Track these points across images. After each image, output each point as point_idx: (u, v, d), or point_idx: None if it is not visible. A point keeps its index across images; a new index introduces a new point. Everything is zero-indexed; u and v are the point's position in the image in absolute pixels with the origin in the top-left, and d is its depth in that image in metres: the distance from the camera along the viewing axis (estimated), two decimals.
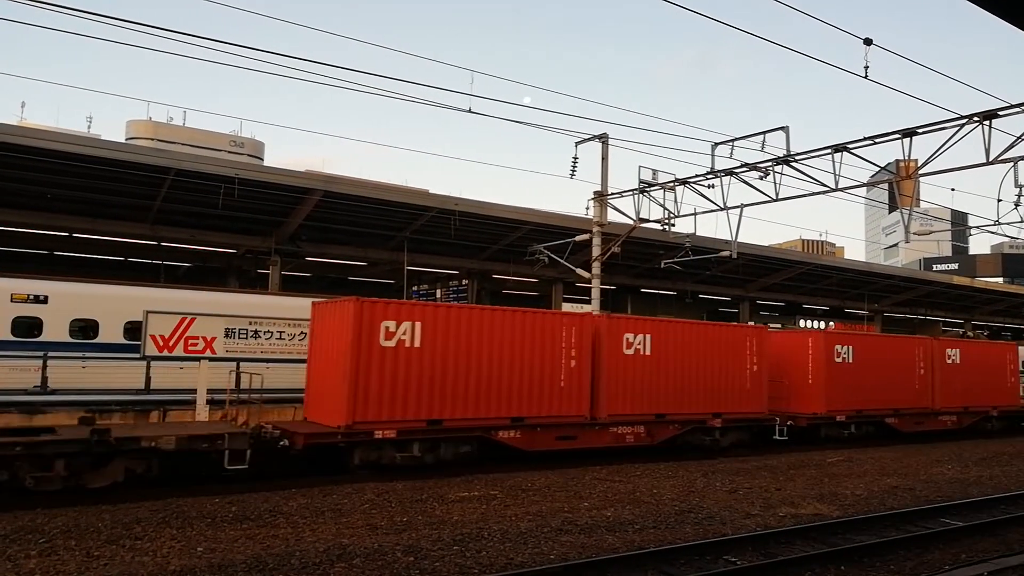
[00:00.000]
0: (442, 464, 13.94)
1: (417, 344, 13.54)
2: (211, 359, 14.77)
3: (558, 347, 15.35)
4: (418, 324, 13.58)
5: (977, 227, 26.09)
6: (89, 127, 79.33)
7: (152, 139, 68.85)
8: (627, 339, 16.47)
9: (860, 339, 21.26)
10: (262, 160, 76.17)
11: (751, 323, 38.78)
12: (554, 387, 15.23)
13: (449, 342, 13.94)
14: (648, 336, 16.80)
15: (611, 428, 16.10)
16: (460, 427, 14.06)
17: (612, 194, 22.10)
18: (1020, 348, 27.63)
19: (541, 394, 15.07)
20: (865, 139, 17.23)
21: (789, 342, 20.76)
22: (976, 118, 15.58)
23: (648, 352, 16.72)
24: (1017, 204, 17.61)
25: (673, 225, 21.65)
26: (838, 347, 20.18)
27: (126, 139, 68.03)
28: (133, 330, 18.05)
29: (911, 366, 21.85)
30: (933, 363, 22.38)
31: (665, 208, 21.19)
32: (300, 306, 16.79)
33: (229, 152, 71.36)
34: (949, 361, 22.78)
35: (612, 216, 22.21)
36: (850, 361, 20.22)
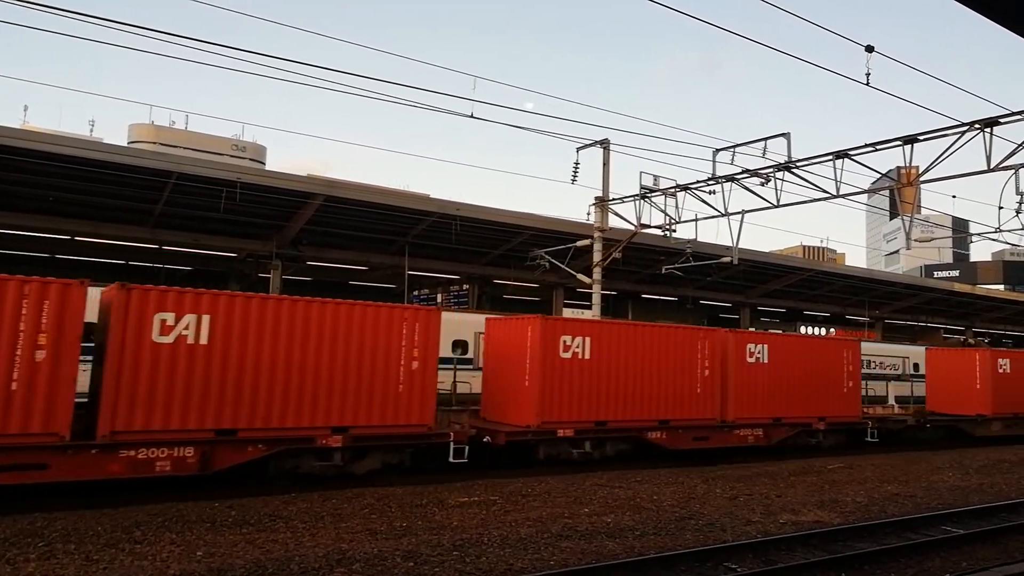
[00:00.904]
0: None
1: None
2: None
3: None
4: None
5: (978, 234, 26.05)
6: (91, 131, 79.61)
7: (154, 143, 69.03)
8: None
9: (606, 328, 16.66)
10: (264, 164, 76.31)
11: (751, 329, 38.80)
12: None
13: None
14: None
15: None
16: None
17: (613, 200, 22.13)
18: (866, 344, 25.32)
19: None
20: (866, 146, 17.26)
21: (509, 332, 16.41)
22: (977, 125, 15.62)
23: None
24: (1018, 211, 17.65)
25: (674, 231, 21.70)
26: (566, 338, 15.66)
27: (128, 143, 68.21)
28: None
29: (689, 365, 17.50)
30: (726, 362, 18.18)
31: (666, 214, 21.23)
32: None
33: (231, 156, 71.53)
34: (751, 360, 18.58)
35: (613, 222, 22.24)
36: (586, 357, 15.86)
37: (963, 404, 24.30)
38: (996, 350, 26.12)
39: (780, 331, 21.59)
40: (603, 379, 16.01)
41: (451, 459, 13.84)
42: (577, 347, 15.71)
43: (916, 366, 33.70)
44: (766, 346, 18.91)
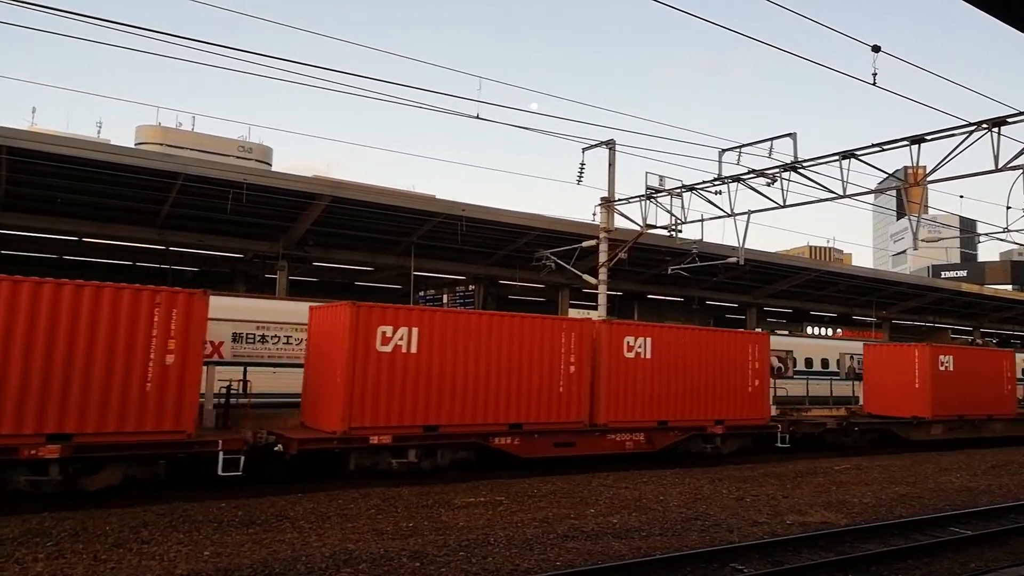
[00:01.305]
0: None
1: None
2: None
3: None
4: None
5: (986, 234, 25.93)
6: (99, 132, 79.81)
7: (161, 144, 69.21)
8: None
9: (440, 318, 14.21)
10: (270, 165, 76.47)
11: (759, 329, 38.71)
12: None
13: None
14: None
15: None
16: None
17: (619, 200, 22.10)
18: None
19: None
20: (873, 146, 17.20)
21: (330, 322, 14.06)
22: (985, 125, 15.55)
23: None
24: None
25: (680, 231, 21.64)
26: (385, 329, 13.37)
27: (135, 144, 68.48)
28: None
29: (550, 360, 15.18)
30: (599, 357, 15.96)
31: (672, 214, 21.18)
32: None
33: (237, 157, 71.64)
34: (630, 355, 16.33)
35: (619, 222, 22.22)
36: (412, 351, 13.60)
37: (901, 405, 22.35)
38: (938, 346, 24.06)
39: (672, 325, 19.81)
40: (435, 377, 13.67)
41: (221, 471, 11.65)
42: (401, 339, 13.39)
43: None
44: (649, 339, 16.62)
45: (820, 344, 35.43)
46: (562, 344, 15.36)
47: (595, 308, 22.82)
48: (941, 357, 22.65)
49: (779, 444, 18.49)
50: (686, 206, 21.00)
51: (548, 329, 15.35)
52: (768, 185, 19.04)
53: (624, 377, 16.21)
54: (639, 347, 16.48)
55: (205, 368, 14.07)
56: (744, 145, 19.43)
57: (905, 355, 22.97)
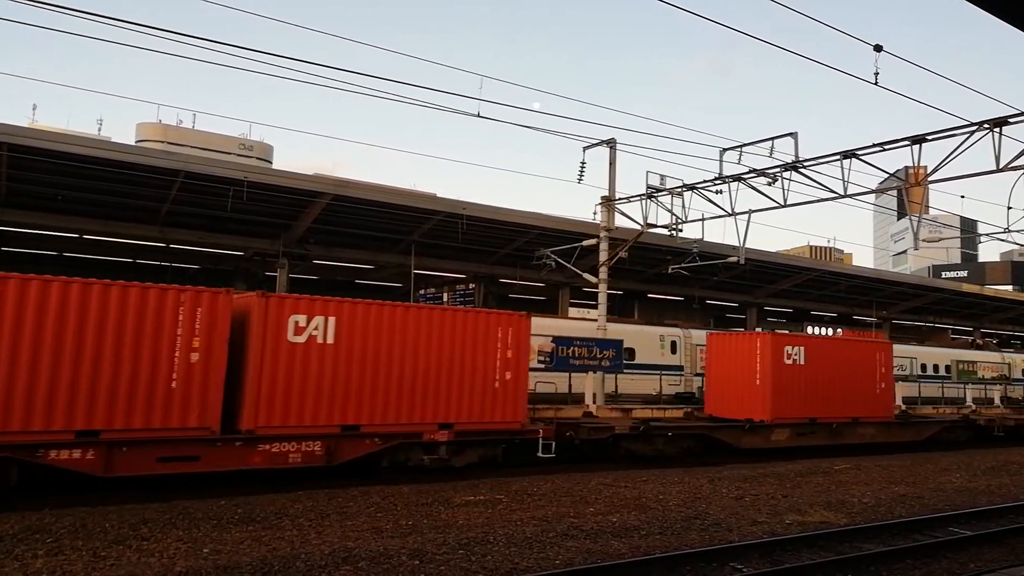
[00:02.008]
0: None
1: None
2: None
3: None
4: None
5: (987, 234, 25.96)
6: (99, 130, 79.99)
7: (162, 142, 69.24)
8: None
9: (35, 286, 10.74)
10: (271, 163, 76.45)
11: (758, 329, 38.74)
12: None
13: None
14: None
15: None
16: None
17: (620, 199, 22.11)
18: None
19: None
20: (874, 146, 17.20)
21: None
22: (986, 125, 15.55)
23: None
24: None
25: (681, 230, 21.65)
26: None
27: (136, 142, 68.44)
28: None
29: (153, 344, 11.46)
30: (249, 340, 12.32)
31: (673, 213, 21.18)
32: None
33: (238, 155, 71.70)
34: (299, 338, 12.62)
35: (620, 221, 22.23)
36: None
37: (739, 405, 19.06)
38: (784, 335, 20.76)
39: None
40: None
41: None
42: None
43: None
44: (333, 319, 12.92)
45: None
46: (178, 322, 11.60)
47: (596, 307, 22.82)
48: (788, 348, 18.91)
49: (541, 454, 15.19)
50: (687, 205, 21.02)
51: (153, 301, 11.47)
52: (769, 185, 19.04)
53: (284, 367, 12.50)
54: (316, 328, 12.84)
55: None
56: (745, 144, 19.44)
57: (746, 345, 19.32)
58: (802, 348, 19.31)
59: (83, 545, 8.47)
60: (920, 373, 34.69)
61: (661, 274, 31.10)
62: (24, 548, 8.27)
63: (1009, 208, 20.30)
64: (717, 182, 19.93)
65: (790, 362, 18.90)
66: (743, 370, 19.10)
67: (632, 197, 21.96)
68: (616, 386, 23.81)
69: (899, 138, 16.74)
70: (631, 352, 25.66)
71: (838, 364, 20.06)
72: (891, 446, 21.25)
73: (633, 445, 17.19)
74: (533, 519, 10.62)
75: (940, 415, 25.79)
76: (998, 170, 15.50)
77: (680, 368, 28.37)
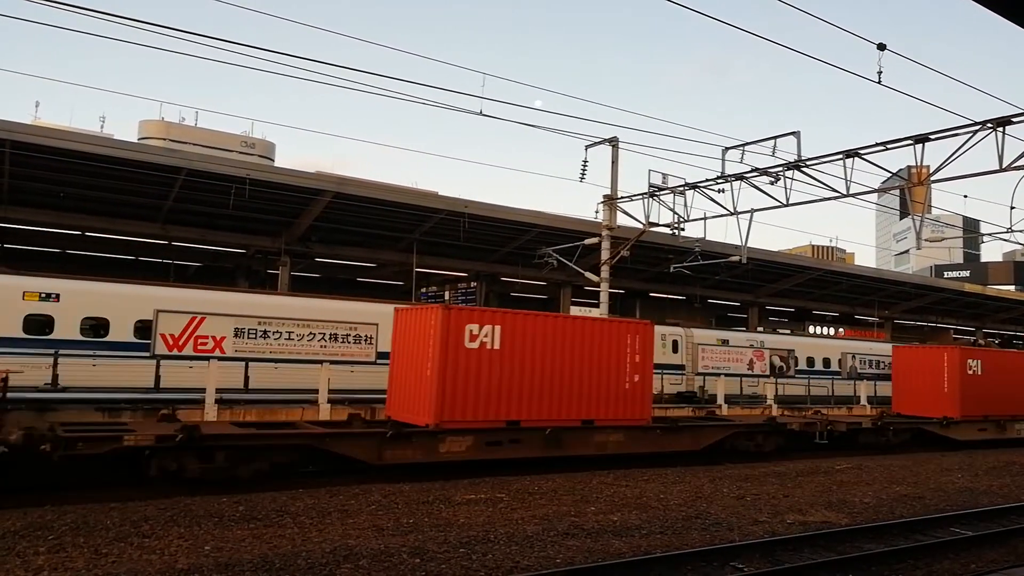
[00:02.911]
0: None
1: None
2: (220, 359, 14.80)
3: None
4: None
5: (989, 234, 25.87)
6: (102, 127, 79.86)
7: (164, 139, 69.25)
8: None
9: None
10: (273, 161, 76.44)
11: (760, 329, 38.69)
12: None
13: None
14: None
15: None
16: None
17: (622, 198, 22.08)
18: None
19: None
20: (877, 145, 17.15)
21: None
22: (989, 125, 15.50)
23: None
24: None
25: (683, 229, 21.61)
26: None
27: (138, 139, 68.47)
28: (143, 329, 18.18)
29: None
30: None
31: (675, 212, 21.15)
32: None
33: (240, 153, 71.64)
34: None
35: (621, 220, 22.21)
36: None
37: (412, 407, 14.59)
38: (472, 309, 16.79)
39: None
40: None
41: None
42: None
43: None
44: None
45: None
46: None
47: (597, 306, 22.80)
48: (472, 327, 14.16)
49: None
50: (689, 204, 20.98)
51: None
52: (771, 184, 19.00)
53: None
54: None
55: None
56: (747, 143, 19.38)
57: (424, 324, 14.57)
58: (497, 327, 14.50)
59: (85, 542, 8.47)
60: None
61: (663, 273, 31.10)
62: (26, 545, 8.27)
63: (1012, 208, 20.27)
64: (719, 181, 19.89)
65: (479, 346, 14.25)
66: (418, 364, 14.60)
67: (634, 196, 21.94)
68: None
69: (902, 137, 16.70)
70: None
71: (560, 349, 15.31)
72: (653, 458, 16.66)
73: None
74: (534, 518, 10.62)
75: (732, 417, 21.35)
76: (1001, 170, 15.45)
77: (682, 367, 28.46)
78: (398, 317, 15.70)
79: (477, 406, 14.25)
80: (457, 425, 14.07)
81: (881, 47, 14.85)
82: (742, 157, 19.43)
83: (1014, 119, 15.29)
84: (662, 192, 21.13)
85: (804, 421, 20.44)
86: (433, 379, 13.87)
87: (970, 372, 23.00)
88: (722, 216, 20.55)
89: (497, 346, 14.44)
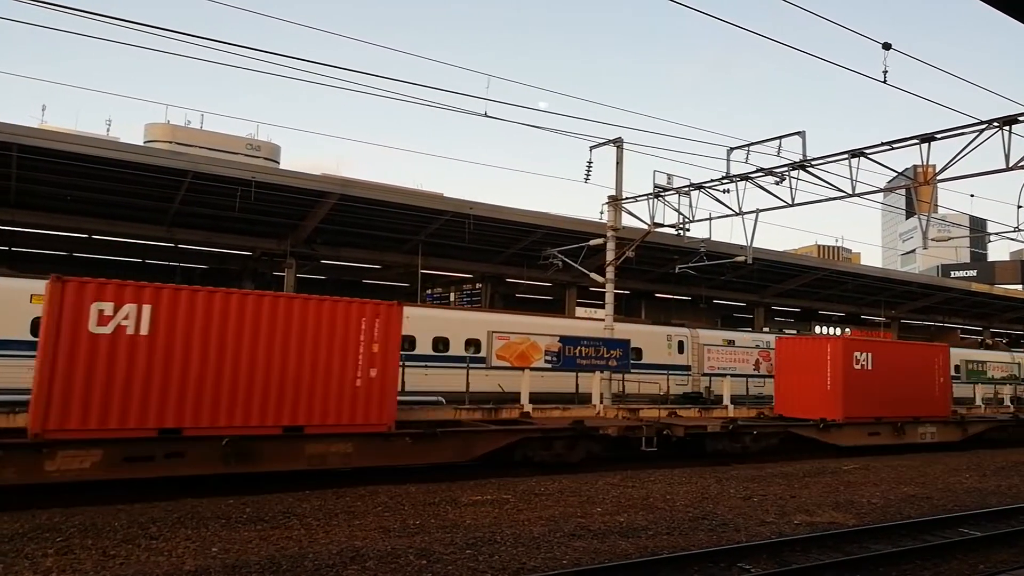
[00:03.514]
0: None
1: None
2: None
3: None
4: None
5: (996, 233, 25.80)
6: (108, 130, 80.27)
7: (170, 142, 69.58)
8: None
9: None
10: (278, 163, 76.73)
11: (765, 329, 38.61)
12: None
13: None
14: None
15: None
16: None
17: (627, 199, 22.06)
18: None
19: None
20: (883, 144, 17.11)
21: None
22: (996, 123, 15.45)
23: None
24: None
25: (688, 230, 21.58)
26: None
27: (144, 142, 68.79)
28: None
29: None
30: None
31: (680, 213, 21.12)
32: None
33: (245, 155, 71.96)
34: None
35: (626, 220, 22.17)
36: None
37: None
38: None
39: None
40: None
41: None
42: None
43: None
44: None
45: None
46: None
47: (603, 306, 22.78)
48: (102, 306, 11.45)
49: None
50: (694, 205, 20.95)
51: None
52: (777, 184, 18.96)
53: None
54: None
55: None
56: (753, 143, 19.35)
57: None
58: (144, 307, 11.67)
59: (93, 544, 8.51)
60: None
61: (668, 274, 31.02)
62: (34, 547, 8.31)
63: (1019, 207, 20.17)
64: (724, 181, 19.86)
65: (108, 329, 11.42)
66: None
67: (639, 196, 21.92)
68: (623, 387, 23.71)
69: (908, 137, 16.65)
70: (638, 352, 25.49)
71: (248, 335, 12.45)
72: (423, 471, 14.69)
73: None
74: (540, 519, 10.61)
75: (535, 420, 17.20)
76: (1008, 169, 15.39)
77: (687, 368, 28.34)
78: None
79: (110, 409, 11.14)
80: (75, 435, 10.89)
81: (887, 46, 14.82)
82: (747, 157, 19.41)
83: (1020, 118, 15.23)
84: (667, 192, 21.10)
85: (624, 426, 17.08)
86: (41, 374, 10.81)
87: (857, 367, 19.98)
88: (727, 216, 20.52)
89: (145, 331, 11.51)
